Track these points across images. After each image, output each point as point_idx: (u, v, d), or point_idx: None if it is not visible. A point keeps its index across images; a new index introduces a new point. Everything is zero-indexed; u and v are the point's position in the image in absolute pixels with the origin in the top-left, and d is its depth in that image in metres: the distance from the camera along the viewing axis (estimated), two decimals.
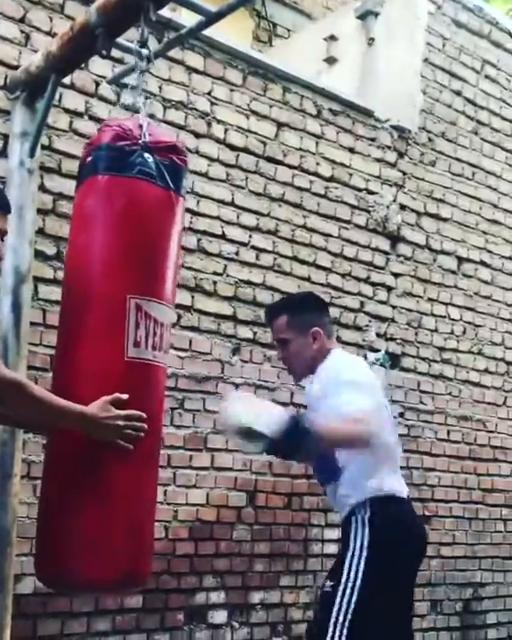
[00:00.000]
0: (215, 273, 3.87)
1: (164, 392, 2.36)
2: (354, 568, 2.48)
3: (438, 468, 4.70)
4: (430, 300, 4.79)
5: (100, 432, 2.09)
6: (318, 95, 4.32)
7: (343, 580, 2.48)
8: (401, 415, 4.55)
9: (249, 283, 3.99)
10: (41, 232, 3.28)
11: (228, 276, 3.91)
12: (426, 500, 4.59)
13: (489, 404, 5.03)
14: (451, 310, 4.89)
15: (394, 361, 4.58)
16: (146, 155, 2.22)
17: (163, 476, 3.54)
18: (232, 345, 3.91)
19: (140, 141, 2.22)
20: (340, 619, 2.45)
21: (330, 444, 2.42)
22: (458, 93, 5.02)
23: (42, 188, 3.28)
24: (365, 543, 2.49)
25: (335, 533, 4.15)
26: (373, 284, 4.52)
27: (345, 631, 2.43)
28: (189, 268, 3.75)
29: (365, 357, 4.42)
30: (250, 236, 4.01)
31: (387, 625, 2.51)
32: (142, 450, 2.17)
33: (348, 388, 2.48)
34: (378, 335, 4.51)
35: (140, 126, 2.25)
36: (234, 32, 4.54)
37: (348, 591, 2.46)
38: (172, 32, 3.48)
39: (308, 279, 4.23)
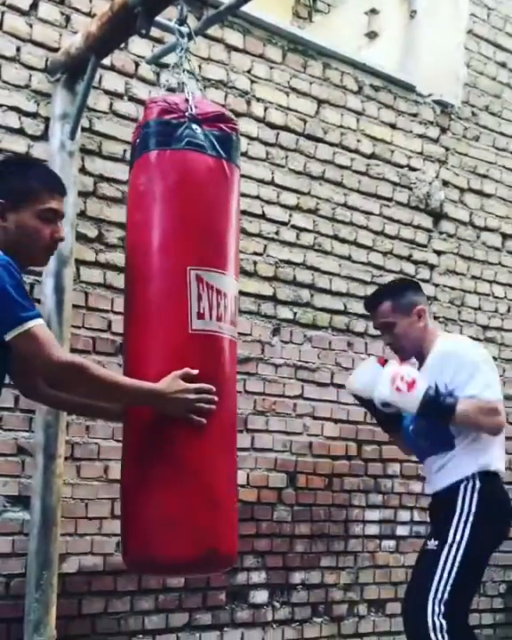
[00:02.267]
0: (255, 253, 3.84)
1: (235, 362, 2.30)
2: (460, 530, 2.63)
3: None
4: (474, 277, 4.72)
5: (171, 407, 2.06)
6: (359, 71, 4.25)
7: (449, 540, 2.62)
8: None
9: (289, 262, 3.96)
10: (82, 214, 3.28)
11: (268, 255, 3.89)
12: None
13: None
14: (495, 288, 4.82)
15: None
16: (194, 126, 2.20)
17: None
18: (272, 325, 3.89)
19: (186, 114, 2.21)
20: (444, 576, 2.59)
21: (462, 425, 2.67)
22: (503, 65, 4.91)
23: (82, 171, 3.28)
24: (473, 510, 2.64)
25: (376, 514, 4.16)
26: (415, 263, 4.46)
27: (448, 588, 2.57)
28: None
29: None
30: (290, 216, 3.97)
31: (477, 584, 2.83)
32: (216, 422, 2.13)
33: (479, 373, 2.70)
34: None
35: (186, 100, 2.24)
36: (273, 8, 4.47)
37: (454, 550, 2.61)
38: (210, 10, 3.44)
39: (349, 258, 4.19)
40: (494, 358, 4.70)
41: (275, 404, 3.86)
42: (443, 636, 2.53)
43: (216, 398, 2.12)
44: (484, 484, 2.69)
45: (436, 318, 4.51)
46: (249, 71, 3.83)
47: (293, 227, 3.98)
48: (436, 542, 2.65)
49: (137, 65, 3.44)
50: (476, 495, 2.66)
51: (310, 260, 4.04)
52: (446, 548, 2.61)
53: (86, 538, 3.25)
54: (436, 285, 4.54)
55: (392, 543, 4.20)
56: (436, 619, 2.54)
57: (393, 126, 4.39)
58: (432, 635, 2.54)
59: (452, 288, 4.62)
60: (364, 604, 4.08)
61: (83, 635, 3.24)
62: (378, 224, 4.31)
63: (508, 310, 4.88)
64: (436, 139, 4.58)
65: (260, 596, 3.76)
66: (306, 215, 4.03)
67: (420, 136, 4.51)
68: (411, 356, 2.90)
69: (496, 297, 4.82)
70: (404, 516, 4.25)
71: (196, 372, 2.09)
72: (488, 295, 4.79)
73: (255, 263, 3.84)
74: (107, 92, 3.37)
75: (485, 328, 4.75)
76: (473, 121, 4.75)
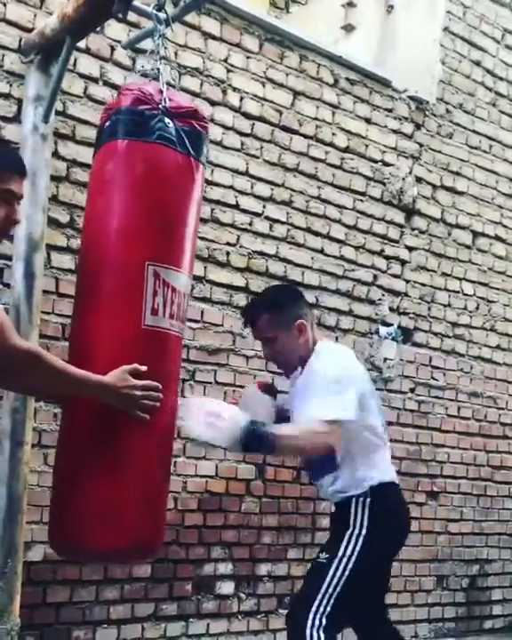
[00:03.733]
0: (228, 243, 3.82)
1: (180, 361, 2.33)
2: (352, 545, 2.61)
3: (448, 444, 4.68)
4: (444, 274, 4.74)
5: (117, 401, 2.08)
6: (335, 64, 4.24)
7: (339, 554, 2.60)
8: (411, 391, 4.53)
9: (262, 254, 3.94)
10: (54, 199, 3.24)
11: (241, 246, 3.87)
12: (435, 475, 4.58)
13: (500, 380, 5.00)
14: (464, 285, 4.85)
15: (406, 335, 4.54)
16: (166, 120, 2.19)
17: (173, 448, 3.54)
18: None
19: (160, 106, 2.19)
20: (330, 590, 2.56)
21: (286, 454, 2.65)
22: (477, 63, 4.93)
23: (55, 155, 3.23)
24: (365, 524, 2.62)
25: None
26: (387, 258, 4.47)
27: (332, 601, 2.55)
28: (202, 239, 3.70)
29: (378, 332, 4.39)
30: (264, 207, 3.96)
31: (366, 599, 2.70)
32: (157, 419, 2.15)
33: (326, 391, 2.51)
34: (390, 309, 4.47)
35: (160, 91, 2.22)
36: None
37: (342, 565, 2.58)
38: None
39: (322, 251, 4.19)
40: (462, 355, 4.80)
41: None
42: None
43: (161, 396, 2.13)
44: (376, 498, 2.63)
45: (405, 314, 4.53)
46: (225, 60, 3.80)
47: (267, 218, 3.97)
48: (327, 556, 2.62)
49: (113, 49, 3.41)
50: (367, 511, 2.62)
51: (283, 252, 4.03)
52: (335, 562, 2.59)
53: None
54: (407, 281, 4.56)
55: None
56: (314, 631, 2.52)
57: (368, 121, 4.40)
58: None
59: (423, 284, 4.64)
60: None
61: (47, 623, 3.20)
62: (351, 218, 4.31)
63: (477, 308, 4.91)
64: (411, 135, 4.60)
65: (227, 588, 3.75)
66: (279, 207, 4.02)
67: (395, 131, 4.52)
68: (292, 369, 2.75)
69: (466, 294, 4.86)
70: None
71: (144, 368, 2.10)
72: (458, 292, 4.82)
73: (228, 254, 3.82)
74: (81, 76, 3.33)
75: (454, 325, 4.78)
76: (447, 118, 4.78)
